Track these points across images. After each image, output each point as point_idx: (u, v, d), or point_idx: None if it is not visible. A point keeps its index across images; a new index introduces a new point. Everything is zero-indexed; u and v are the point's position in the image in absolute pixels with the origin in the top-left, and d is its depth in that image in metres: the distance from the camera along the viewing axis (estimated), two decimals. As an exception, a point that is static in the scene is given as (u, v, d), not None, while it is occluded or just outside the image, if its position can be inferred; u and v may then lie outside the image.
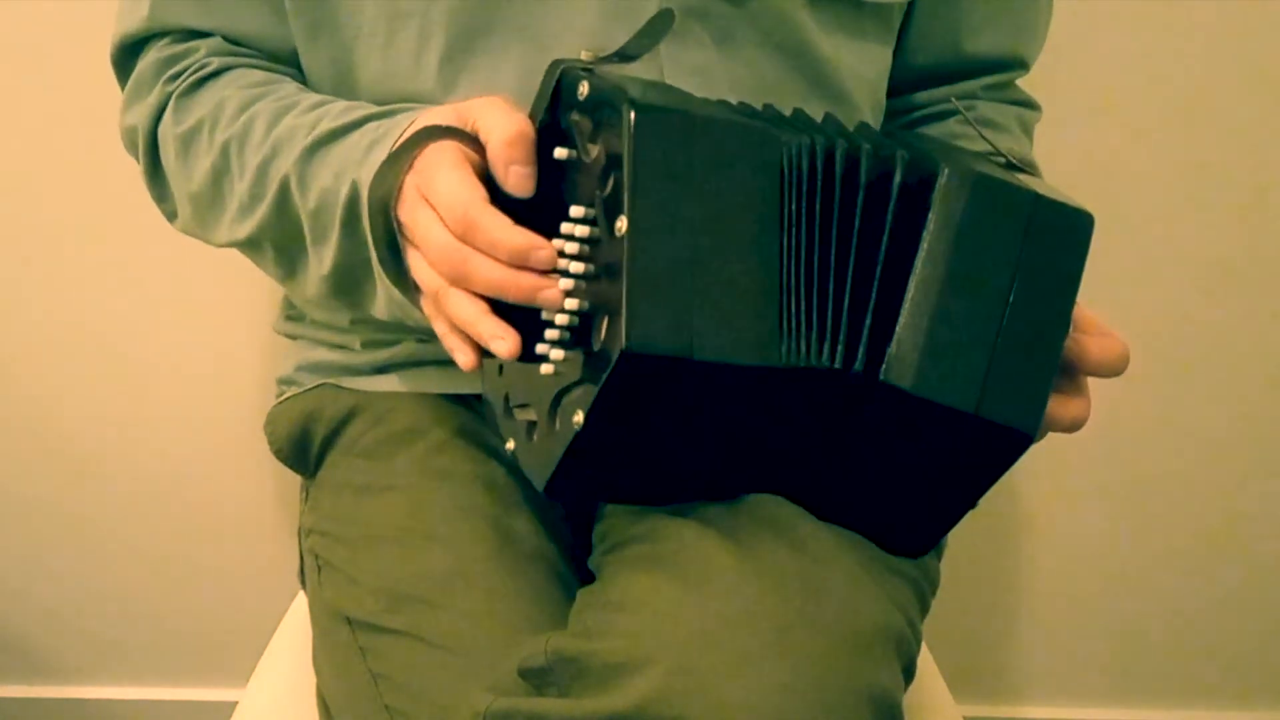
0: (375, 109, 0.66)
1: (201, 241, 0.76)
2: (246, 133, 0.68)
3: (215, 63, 0.72)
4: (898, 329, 0.56)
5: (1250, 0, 1.09)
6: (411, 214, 0.57)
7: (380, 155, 0.61)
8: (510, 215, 0.54)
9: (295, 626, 0.85)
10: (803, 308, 0.55)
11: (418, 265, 0.58)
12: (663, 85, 0.57)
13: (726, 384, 0.54)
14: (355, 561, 0.71)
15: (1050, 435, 0.62)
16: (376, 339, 0.78)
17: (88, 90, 0.94)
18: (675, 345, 0.51)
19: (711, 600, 0.56)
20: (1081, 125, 1.12)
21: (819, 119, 0.62)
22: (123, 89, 0.76)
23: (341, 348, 0.80)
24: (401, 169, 0.58)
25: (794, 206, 0.55)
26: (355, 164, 0.62)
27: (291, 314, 0.85)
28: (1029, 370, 0.56)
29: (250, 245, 0.71)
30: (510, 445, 0.62)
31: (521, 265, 0.54)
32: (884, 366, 0.56)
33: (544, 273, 0.54)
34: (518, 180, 0.56)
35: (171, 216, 0.77)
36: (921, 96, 0.82)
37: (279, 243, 0.69)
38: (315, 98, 0.69)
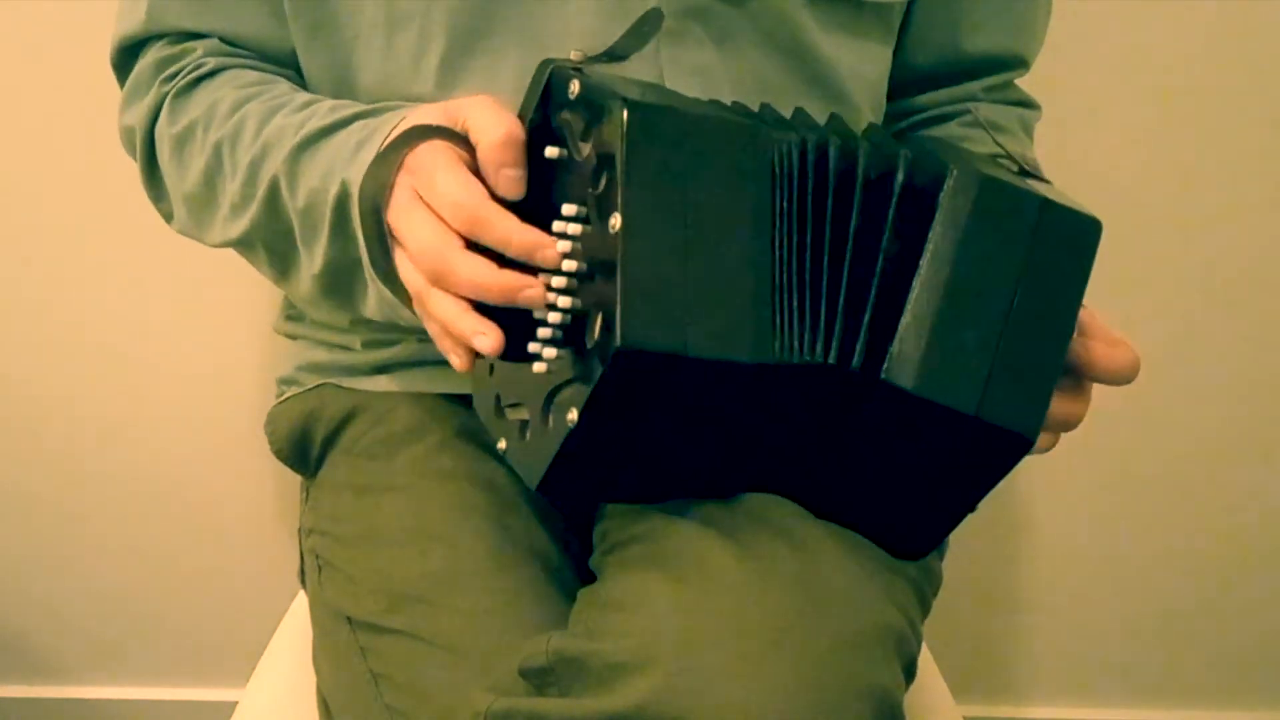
0: (363, 107, 0.66)
1: (198, 242, 0.76)
2: (238, 133, 0.68)
3: (211, 63, 0.72)
4: (900, 328, 0.56)
5: (1250, 0, 1.09)
6: (400, 215, 0.57)
7: (369, 154, 0.61)
8: None
9: (295, 626, 0.85)
10: (795, 304, 0.55)
11: (404, 266, 0.58)
12: (653, 85, 0.57)
13: (721, 381, 0.54)
14: (355, 561, 0.71)
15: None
16: (376, 339, 0.78)
17: (88, 91, 0.94)
18: (669, 342, 0.51)
19: (712, 600, 0.56)
20: (1081, 125, 1.12)
21: (822, 119, 0.62)
22: (122, 90, 0.76)
23: (341, 348, 0.80)
24: (392, 168, 0.58)
25: (785, 203, 0.55)
26: (344, 163, 0.62)
27: (291, 314, 0.85)
28: (1031, 374, 0.56)
29: (243, 245, 0.71)
30: (502, 445, 0.62)
31: (528, 262, 0.53)
32: (885, 365, 0.56)
33: (533, 273, 0.54)
34: (508, 183, 0.56)
35: (168, 217, 0.77)
36: (923, 99, 0.82)
37: (271, 242, 0.69)
38: (305, 97, 0.69)
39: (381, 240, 0.59)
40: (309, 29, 0.71)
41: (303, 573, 0.79)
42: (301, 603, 0.86)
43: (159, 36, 0.74)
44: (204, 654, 1.33)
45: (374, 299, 0.65)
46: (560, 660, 0.56)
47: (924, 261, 0.56)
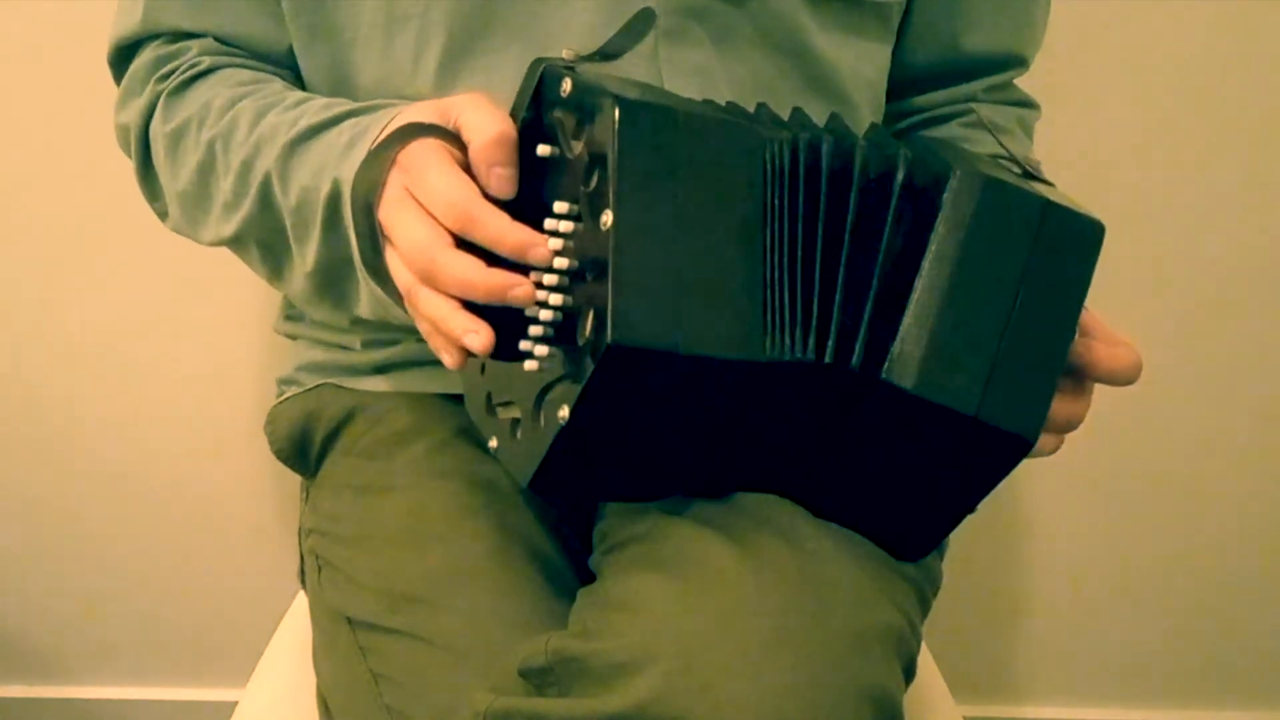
0: (354, 105, 0.66)
1: (192, 241, 0.76)
2: (231, 131, 0.68)
3: (206, 62, 0.72)
4: (901, 329, 0.55)
5: (1250, 0, 1.09)
6: (392, 212, 0.57)
7: (360, 152, 0.61)
8: None
9: (295, 626, 0.85)
10: (787, 302, 0.55)
11: (395, 264, 0.58)
12: (645, 84, 0.57)
13: (712, 378, 0.54)
14: (355, 561, 0.71)
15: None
16: (376, 339, 0.78)
17: (89, 91, 0.94)
18: (661, 339, 0.51)
19: (712, 600, 0.56)
20: (1081, 125, 1.12)
21: (821, 119, 0.62)
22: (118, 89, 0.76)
23: (341, 348, 0.80)
24: (384, 166, 0.58)
25: (776, 201, 0.55)
26: (335, 161, 0.62)
27: (291, 314, 0.85)
28: (1032, 376, 0.56)
29: (236, 243, 0.71)
30: (493, 443, 0.62)
31: (520, 260, 0.53)
32: (886, 365, 0.56)
33: (524, 271, 0.54)
34: (500, 182, 0.56)
35: (163, 216, 0.77)
36: (922, 100, 0.82)
37: (264, 240, 0.69)
38: (298, 95, 0.69)
39: (373, 238, 0.59)
40: (308, 30, 0.71)
41: (303, 573, 0.79)
42: (301, 603, 0.86)
43: (155, 36, 0.74)
44: (204, 654, 1.33)
45: (366, 298, 0.65)
46: (560, 660, 0.56)
47: (926, 262, 0.56)
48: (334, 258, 0.65)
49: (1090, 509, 1.29)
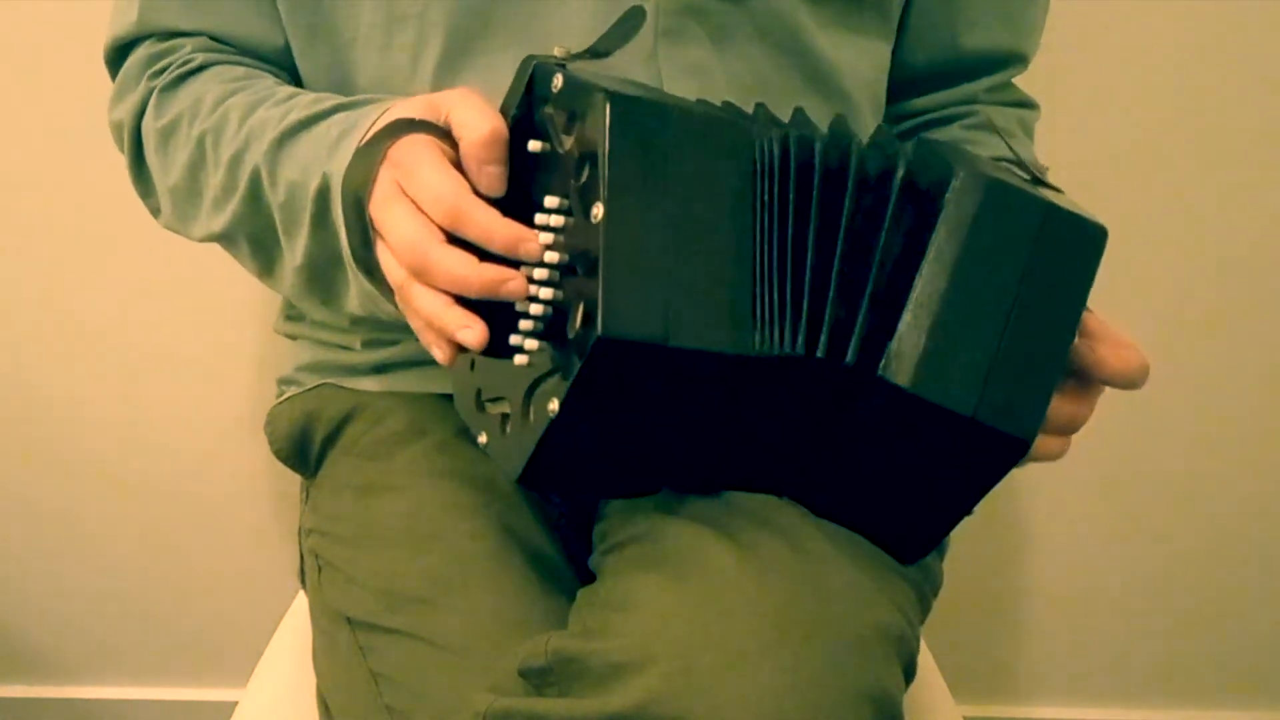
0: (343, 99, 0.66)
1: (183, 237, 0.76)
2: (221, 125, 0.68)
3: (199, 59, 0.72)
4: (900, 327, 0.56)
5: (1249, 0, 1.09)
6: (383, 208, 0.57)
7: (349, 147, 0.61)
8: None
9: (295, 626, 0.85)
10: (777, 297, 0.55)
11: (386, 260, 0.58)
12: (636, 82, 0.57)
13: (703, 372, 0.54)
14: (355, 561, 0.70)
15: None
16: (376, 339, 0.78)
17: (89, 91, 0.94)
18: (650, 332, 0.51)
19: (711, 600, 0.56)
20: (1079, 124, 1.12)
21: (818, 116, 0.62)
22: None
23: (341, 348, 0.80)
24: (375, 161, 0.58)
25: (767, 196, 0.55)
26: (324, 156, 0.62)
27: (291, 314, 0.85)
28: (1030, 378, 0.56)
29: (226, 239, 0.71)
30: (482, 439, 0.62)
31: (510, 255, 0.53)
32: (883, 363, 0.56)
33: (515, 266, 0.54)
34: (491, 180, 0.56)
35: (156, 212, 0.77)
36: (923, 102, 0.82)
37: (253, 235, 0.69)
38: (289, 90, 0.70)
39: (364, 233, 0.59)
40: (307, 30, 0.71)
41: (303, 573, 0.79)
42: (301, 603, 0.86)
43: (151, 36, 0.74)
44: (204, 654, 1.33)
45: (355, 293, 0.65)
46: (559, 660, 0.56)
47: (926, 262, 0.56)
48: (323, 253, 0.65)
49: (1090, 509, 1.29)
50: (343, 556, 0.72)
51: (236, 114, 0.68)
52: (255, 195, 0.67)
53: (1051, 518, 1.31)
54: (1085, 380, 0.61)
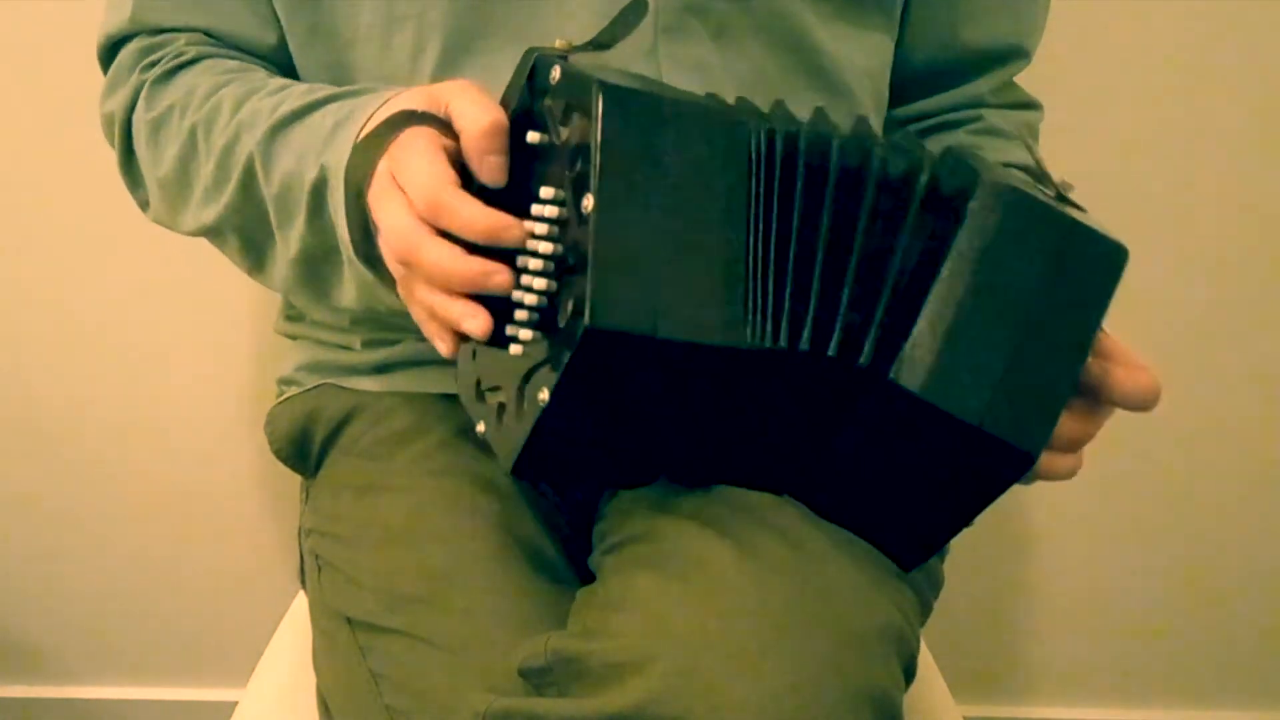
0: (337, 90, 0.66)
1: (172, 231, 0.76)
2: (213, 117, 0.68)
3: (191, 52, 0.72)
4: (914, 332, 0.55)
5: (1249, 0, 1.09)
6: (377, 198, 0.57)
7: (346, 138, 0.61)
8: (484, 201, 0.54)
9: (295, 626, 0.85)
10: (771, 292, 0.55)
11: (386, 251, 0.58)
12: (637, 75, 0.57)
13: (692, 364, 0.54)
14: (355, 561, 0.70)
15: None
16: (376, 339, 0.78)
17: (89, 90, 0.94)
18: (639, 323, 0.51)
19: (711, 600, 0.56)
20: (1079, 125, 1.12)
21: (816, 113, 0.62)
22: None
23: (341, 347, 0.80)
24: (377, 153, 0.58)
25: (760, 190, 0.55)
26: (319, 147, 0.62)
27: (291, 314, 0.85)
28: (1040, 393, 0.56)
29: (215, 233, 0.72)
30: (480, 428, 0.62)
31: (494, 245, 0.53)
32: (894, 367, 0.55)
33: (512, 258, 0.54)
34: (492, 170, 0.56)
35: (144, 206, 0.77)
36: (928, 104, 0.82)
37: (244, 228, 0.69)
38: (281, 81, 0.70)
39: (364, 225, 0.59)
40: (307, 31, 0.71)
41: (303, 573, 0.79)
42: (301, 603, 0.85)
43: (143, 33, 0.75)
44: (204, 654, 1.33)
45: (353, 287, 0.65)
46: (558, 660, 0.56)
47: (945, 269, 0.55)
48: (318, 244, 0.65)
49: (1090, 509, 1.29)
50: (343, 556, 0.72)
51: (228, 105, 0.68)
52: (248, 186, 0.67)
53: (1051, 518, 1.31)
54: (1095, 399, 0.60)
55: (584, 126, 0.52)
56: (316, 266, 0.67)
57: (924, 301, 0.55)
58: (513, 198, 0.55)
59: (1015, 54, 0.82)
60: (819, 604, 0.57)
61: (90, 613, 1.31)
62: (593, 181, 0.51)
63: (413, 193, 0.55)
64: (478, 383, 0.62)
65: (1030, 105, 0.85)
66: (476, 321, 0.54)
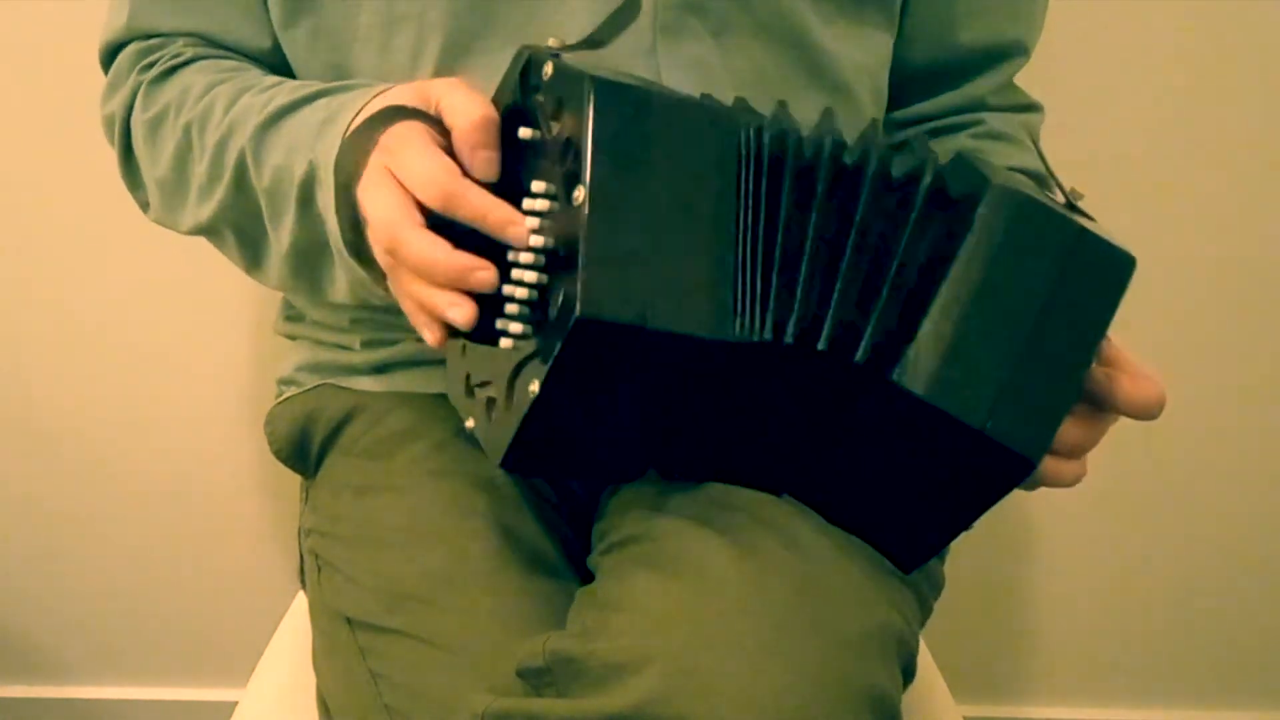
0: (326, 85, 0.66)
1: (172, 231, 0.76)
2: (207, 114, 0.68)
3: (188, 53, 0.73)
4: (920, 334, 0.55)
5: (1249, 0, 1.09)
6: (367, 190, 0.57)
7: (335, 132, 0.61)
8: None
9: (295, 626, 0.85)
10: (760, 285, 0.55)
11: (374, 242, 0.58)
12: (629, 74, 0.57)
13: (682, 357, 0.54)
14: (355, 561, 0.70)
15: None
16: (376, 339, 0.78)
17: (89, 91, 0.94)
18: (628, 314, 0.51)
19: (710, 600, 0.56)
20: (1079, 125, 1.12)
21: (819, 110, 0.62)
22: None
23: (341, 348, 0.80)
24: (366, 147, 0.58)
25: (751, 186, 0.55)
26: (309, 141, 0.62)
27: (291, 314, 0.85)
28: (1044, 399, 0.56)
29: (212, 231, 0.72)
30: (470, 424, 0.62)
31: (501, 239, 0.53)
32: (899, 368, 0.55)
33: (502, 252, 0.54)
34: (483, 164, 0.56)
35: (144, 206, 0.78)
36: (929, 106, 0.81)
37: (240, 224, 0.70)
38: (274, 78, 0.70)
39: (354, 218, 0.59)
40: (308, 34, 0.72)
41: (302, 573, 0.79)
42: (301, 603, 0.86)
43: (140, 38, 0.75)
44: (204, 654, 1.33)
45: (344, 280, 0.65)
46: (557, 660, 0.56)
47: (952, 272, 0.55)
48: (309, 239, 0.65)
49: (1090, 509, 1.29)
50: (342, 556, 0.72)
51: (222, 102, 0.68)
52: (241, 182, 0.67)
53: (1051, 518, 1.31)
54: (1099, 407, 0.60)
55: (575, 121, 0.52)
56: (308, 261, 0.67)
57: (930, 304, 0.55)
58: (504, 194, 0.55)
59: (1014, 51, 0.81)
60: (818, 604, 0.57)
61: (90, 613, 1.31)
62: (584, 174, 0.51)
63: (420, 184, 0.55)
64: (467, 378, 0.62)
65: (1031, 107, 0.85)
66: (461, 310, 0.54)
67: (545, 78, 0.55)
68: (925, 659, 0.84)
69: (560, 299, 0.52)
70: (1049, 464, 0.58)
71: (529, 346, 0.54)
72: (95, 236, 1.15)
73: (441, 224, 0.55)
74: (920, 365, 0.55)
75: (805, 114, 0.61)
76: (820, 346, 0.56)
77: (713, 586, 0.56)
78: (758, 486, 0.63)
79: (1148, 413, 0.60)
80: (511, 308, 0.54)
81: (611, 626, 0.56)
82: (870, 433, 0.59)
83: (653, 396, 0.57)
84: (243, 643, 1.12)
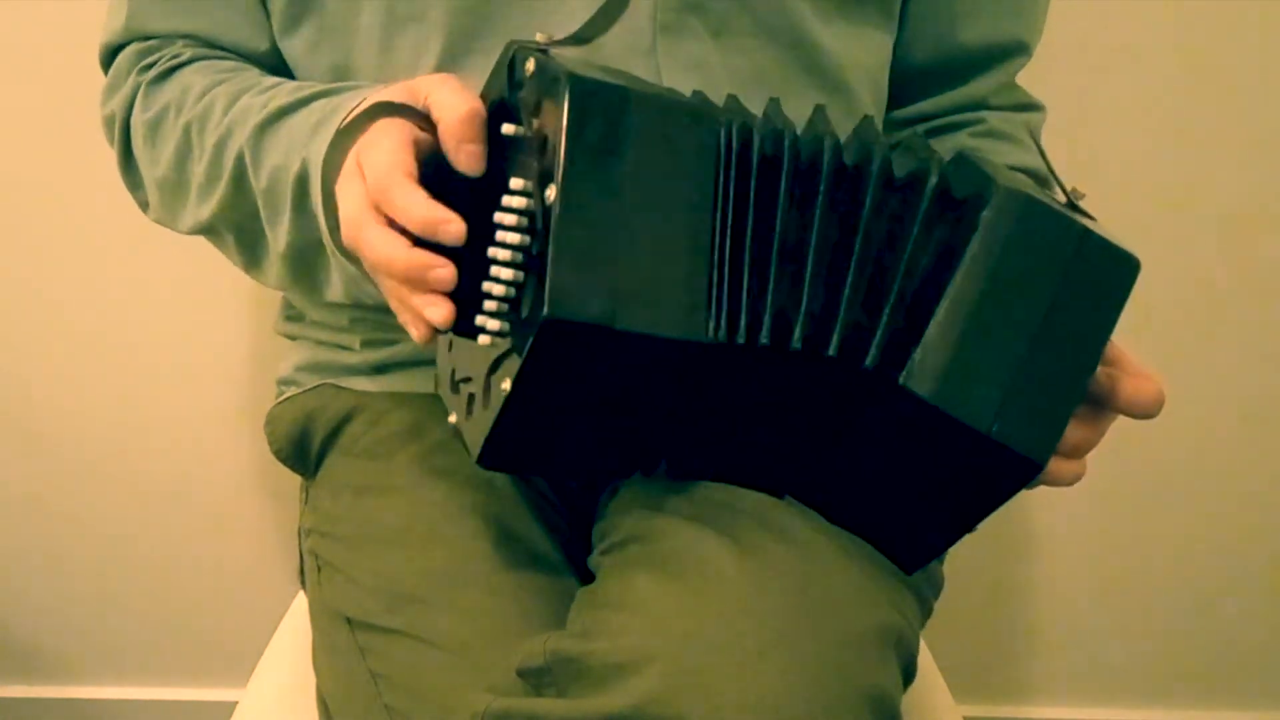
0: (325, 87, 0.66)
1: (173, 231, 0.76)
2: (206, 114, 0.69)
3: (187, 53, 0.73)
4: (926, 337, 0.55)
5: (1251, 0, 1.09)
6: (340, 186, 0.57)
7: (328, 132, 0.61)
8: (462, 194, 0.54)
9: (295, 626, 0.85)
10: (733, 287, 0.55)
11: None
12: (615, 70, 0.57)
13: (653, 357, 0.54)
14: (355, 561, 0.71)
15: None
16: (376, 339, 0.78)
17: (89, 91, 0.94)
18: (596, 314, 0.51)
19: (710, 600, 0.56)
20: (1078, 124, 1.12)
21: (815, 112, 0.62)
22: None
23: (340, 348, 0.80)
24: (350, 146, 0.58)
25: (730, 187, 0.55)
26: (303, 141, 0.62)
27: (291, 314, 0.85)
28: (1049, 402, 0.56)
29: (212, 231, 0.72)
30: (453, 419, 0.62)
31: (431, 239, 0.53)
32: (905, 371, 0.55)
33: (483, 249, 0.54)
34: (469, 158, 0.56)
35: (144, 206, 0.78)
36: (927, 105, 0.81)
37: (239, 224, 0.70)
38: (273, 79, 0.70)
39: (336, 215, 0.59)
40: (311, 34, 0.72)
41: (302, 573, 0.79)
42: (301, 603, 0.86)
43: (139, 39, 0.75)
44: (204, 654, 1.33)
45: (338, 279, 0.65)
46: (557, 660, 0.56)
47: (958, 274, 0.55)
48: (305, 239, 0.65)
49: (1090, 509, 1.29)
50: (342, 557, 0.72)
51: (221, 103, 0.68)
52: (240, 183, 0.67)
53: (1051, 517, 1.31)
54: (1100, 407, 0.60)
55: (553, 118, 0.52)
56: (305, 260, 0.67)
57: (936, 307, 0.55)
58: (490, 190, 0.55)
59: (1015, 49, 0.81)
60: (818, 604, 0.57)
61: (90, 613, 1.31)
62: (556, 172, 0.51)
63: (369, 179, 0.55)
64: (453, 374, 0.63)
65: (1032, 107, 0.85)
66: (437, 310, 0.53)
67: (528, 74, 0.55)
68: (925, 659, 0.84)
69: (532, 298, 0.52)
70: (1051, 463, 0.58)
71: (506, 344, 0.54)
72: (95, 236, 1.15)
73: (443, 195, 0.54)
74: (926, 368, 0.55)
75: (805, 113, 0.61)
76: (829, 352, 0.55)
77: (713, 586, 0.56)
78: (758, 486, 0.63)
79: (1148, 412, 0.60)
80: (490, 305, 0.54)
81: (612, 626, 0.56)
82: (873, 434, 0.58)
83: (630, 395, 0.56)
84: (243, 643, 1.12)
